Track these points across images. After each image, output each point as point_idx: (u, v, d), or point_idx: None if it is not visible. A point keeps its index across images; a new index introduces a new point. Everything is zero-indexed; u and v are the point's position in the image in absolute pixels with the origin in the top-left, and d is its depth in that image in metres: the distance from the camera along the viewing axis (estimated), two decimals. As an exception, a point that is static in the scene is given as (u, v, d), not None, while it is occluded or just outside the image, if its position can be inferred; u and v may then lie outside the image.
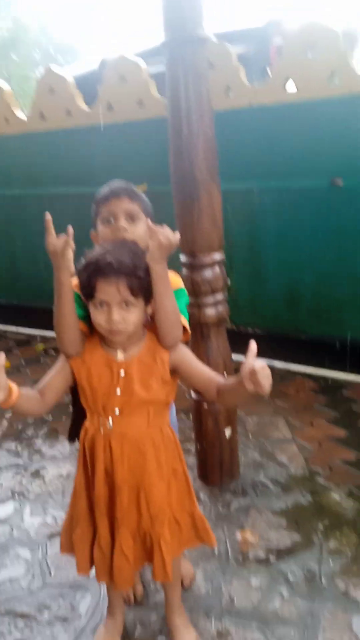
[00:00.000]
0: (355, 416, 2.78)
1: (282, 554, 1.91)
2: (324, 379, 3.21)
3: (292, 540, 1.96)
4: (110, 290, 1.24)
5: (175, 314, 1.33)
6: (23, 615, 1.73)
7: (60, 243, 1.23)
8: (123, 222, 1.44)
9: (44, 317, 4.47)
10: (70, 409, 1.57)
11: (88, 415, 1.42)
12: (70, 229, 1.23)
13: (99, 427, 1.36)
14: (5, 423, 3.03)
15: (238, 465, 2.38)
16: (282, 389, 3.14)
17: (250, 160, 3.13)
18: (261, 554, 1.91)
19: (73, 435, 1.78)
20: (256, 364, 1.14)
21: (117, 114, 3.63)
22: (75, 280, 1.50)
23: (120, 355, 1.33)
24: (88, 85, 3.89)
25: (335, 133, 2.87)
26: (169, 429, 1.41)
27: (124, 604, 1.68)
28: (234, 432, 2.30)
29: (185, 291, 1.48)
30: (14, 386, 1.21)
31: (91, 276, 1.23)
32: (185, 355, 1.36)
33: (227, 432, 2.26)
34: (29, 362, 3.95)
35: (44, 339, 4.37)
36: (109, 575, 1.39)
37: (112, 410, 1.34)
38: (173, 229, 1.29)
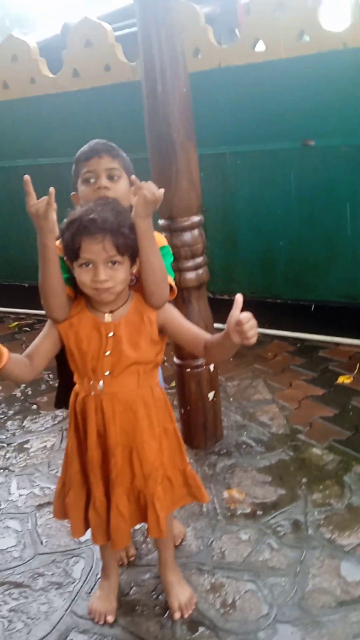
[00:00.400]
0: (332, 375, 2.85)
1: (269, 508, 1.96)
2: (300, 342, 3.27)
3: (278, 495, 2.02)
4: (96, 249, 1.22)
5: (162, 272, 1.32)
6: (17, 585, 1.75)
7: (42, 205, 1.19)
8: (104, 181, 1.42)
9: (17, 295, 4.44)
10: (50, 377, 1.56)
11: (77, 378, 1.41)
12: (52, 189, 1.19)
13: (89, 390, 1.36)
14: (-16, 400, 3.00)
15: (221, 427, 2.42)
16: (260, 353, 3.18)
17: (222, 123, 3.10)
18: (248, 510, 1.96)
19: (61, 402, 1.78)
20: (242, 315, 1.15)
21: (84, 81, 3.53)
22: (57, 243, 1.48)
23: (107, 317, 1.32)
24: (51, 52, 3.76)
25: (306, 92, 2.85)
26: (159, 389, 1.42)
27: (118, 566, 1.70)
28: (217, 395, 2.33)
29: (170, 249, 1.47)
30: (4, 350, 1.19)
31: (75, 235, 1.21)
32: (172, 313, 1.36)
33: (210, 395, 2.29)
34: (3, 339, 3.88)
35: (18, 317, 4.31)
36: (106, 536, 1.41)
37: (102, 372, 1.34)
38: None
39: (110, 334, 1.31)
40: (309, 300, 3.25)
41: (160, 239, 1.41)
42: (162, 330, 1.35)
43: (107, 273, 1.24)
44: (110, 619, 1.57)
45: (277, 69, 2.90)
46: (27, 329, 4.04)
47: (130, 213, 1.28)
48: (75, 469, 1.42)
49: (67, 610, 1.63)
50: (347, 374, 2.83)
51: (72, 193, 1.53)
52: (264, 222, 3.23)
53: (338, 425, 2.41)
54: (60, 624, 1.59)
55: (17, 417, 2.78)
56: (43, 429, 2.64)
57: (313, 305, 3.25)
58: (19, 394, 3.02)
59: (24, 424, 2.70)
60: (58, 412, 2.77)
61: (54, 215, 1.22)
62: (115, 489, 1.36)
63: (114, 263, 1.24)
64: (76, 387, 1.42)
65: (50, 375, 3.19)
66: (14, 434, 2.62)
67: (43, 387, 3.08)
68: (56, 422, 2.69)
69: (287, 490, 2.04)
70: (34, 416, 2.77)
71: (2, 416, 2.80)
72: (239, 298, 1.17)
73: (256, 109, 3.01)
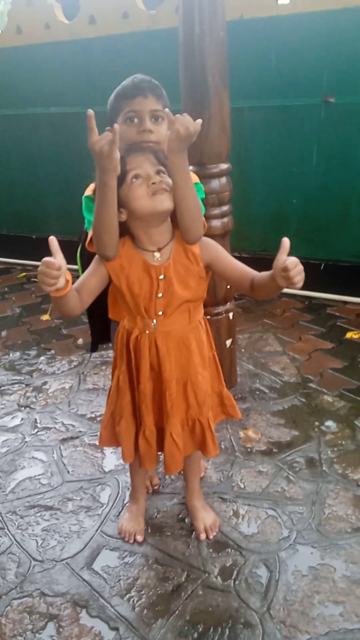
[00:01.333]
0: (340, 331, 2.94)
1: (284, 447, 2.06)
2: (308, 299, 3.34)
3: (292, 436, 2.12)
4: (141, 159, 1.25)
5: (197, 208, 1.32)
6: (48, 508, 1.84)
7: (106, 142, 1.15)
8: (149, 124, 1.40)
9: (24, 246, 4.45)
10: (63, 325, 1.60)
11: (128, 317, 1.43)
12: (117, 126, 1.16)
13: (143, 329, 1.40)
14: (0, 346, 3.05)
15: (236, 374, 2.51)
16: (269, 309, 3.26)
17: (241, 76, 3.08)
18: (264, 448, 2.06)
19: (95, 346, 1.84)
20: (288, 260, 1.16)
21: (100, 28, 3.47)
22: (93, 186, 1.50)
23: (157, 257, 1.32)
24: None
25: (329, 48, 2.85)
26: (205, 321, 1.49)
27: (145, 491, 1.80)
28: (233, 343, 2.40)
29: (202, 186, 1.48)
30: (70, 276, 1.20)
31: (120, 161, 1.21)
32: (219, 251, 1.38)
33: (228, 343, 2.36)
34: (12, 289, 3.92)
35: (24, 268, 4.33)
36: (154, 462, 1.52)
37: (155, 313, 1.37)
38: None
39: (161, 277, 1.32)
40: (320, 258, 3.31)
41: (193, 175, 1.40)
42: (208, 267, 1.38)
43: (159, 177, 1.26)
44: (139, 538, 1.68)
45: (300, 22, 2.89)
46: (35, 280, 4.07)
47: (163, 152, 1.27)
48: (127, 400, 1.48)
49: (97, 530, 1.73)
50: (355, 330, 2.92)
51: (107, 128, 1.53)
52: (278, 179, 3.26)
53: (347, 376, 2.51)
54: (91, 542, 1.69)
55: (33, 361, 2.84)
56: (60, 372, 2.71)
57: (323, 264, 3.31)
58: (31, 340, 3.08)
59: (40, 367, 2.77)
60: (74, 356, 2.84)
61: (117, 154, 1.18)
62: (170, 419, 1.43)
63: (159, 172, 1.26)
64: (125, 324, 1.45)
65: (64, 323, 3.25)
66: (31, 376, 2.69)
67: (56, 334, 3.14)
68: (72, 366, 2.75)
69: (300, 431, 2.14)
70: (50, 360, 2.83)
71: (19, 360, 2.86)
72: (285, 243, 1.18)
73: (277, 63, 3.01)
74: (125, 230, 1.32)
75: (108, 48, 3.47)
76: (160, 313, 1.37)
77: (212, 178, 2.05)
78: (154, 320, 1.38)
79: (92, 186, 1.48)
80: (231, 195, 2.14)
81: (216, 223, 2.12)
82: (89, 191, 1.47)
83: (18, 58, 3.87)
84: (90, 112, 1.16)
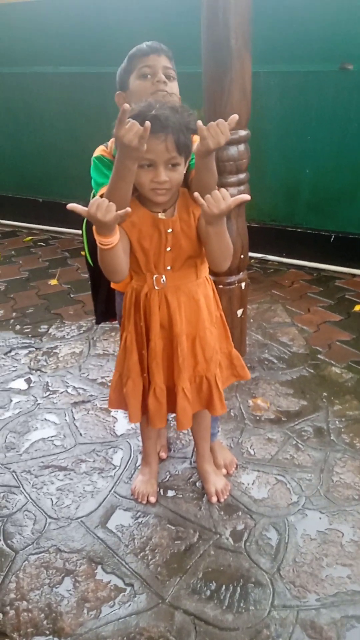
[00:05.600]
0: (349, 303, 2.95)
1: (292, 416, 2.10)
2: (317, 271, 3.34)
3: (300, 405, 2.16)
4: (159, 149, 1.23)
5: (214, 183, 1.32)
6: (62, 468, 1.88)
7: (136, 137, 1.15)
8: (162, 77, 1.42)
9: (30, 209, 4.40)
10: (72, 290, 1.60)
11: (136, 276, 1.46)
12: (148, 124, 1.15)
13: (153, 285, 1.42)
14: (9, 309, 3.05)
15: (245, 344, 2.52)
16: (277, 281, 3.26)
17: (257, 40, 2.99)
18: (273, 417, 2.10)
19: (101, 318, 1.86)
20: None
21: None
22: (103, 147, 1.49)
23: (161, 216, 1.36)
24: None
25: (348, 13, 2.77)
26: (211, 280, 1.51)
27: (157, 454, 1.84)
28: (244, 313, 2.41)
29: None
30: (118, 228, 1.23)
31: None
32: None
33: (239, 312, 2.37)
34: (19, 253, 3.90)
35: (31, 232, 4.30)
36: (164, 421, 1.53)
37: (164, 267, 1.40)
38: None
39: (170, 230, 1.36)
40: (329, 230, 3.29)
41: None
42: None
43: (166, 174, 1.26)
44: (152, 499, 1.72)
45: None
46: (42, 244, 4.05)
47: (187, 109, 1.27)
48: (134, 359, 1.50)
49: (110, 491, 1.78)
50: (364, 303, 2.94)
51: (118, 92, 1.51)
52: (292, 147, 3.21)
53: (356, 349, 2.53)
54: (105, 502, 1.74)
55: (42, 325, 2.85)
56: (70, 337, 2.72)
57: (333, 236, 3.29)
58: (40, 305, 3.08)
59: (50, 332, 2.78)
60: (83, 322, 2.85)
61: (145, 147, 1.18)
62: (182, 374, 1.45)
63: (173, 165, 1.26)
64: (133, 284, 1.47)
65: (72, 289, 3.25)
66: (41, 340, 2.70)
67: (64, 299, 3.14)
68: (82, 331, 2.77)
69: (309, 401, 2.18)
70: (59, 325, 2.84)
71: (28, 324, 2.87)
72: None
73: (295, 28, 2.92)
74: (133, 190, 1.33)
75: (122, 6, 3.36)
76: (169, 267, 1.40)
77: (231, 145, 2.02)
78: (163, 276, 1.41)
79: (101, 147, 1.49)
80: (248, 162, 2.12)
81: (232, 191, 2.09)
82: (98, 152, 1.48)
83: (25, 14, 3.75)
84: (126, 106, 1.15)
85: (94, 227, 1.23)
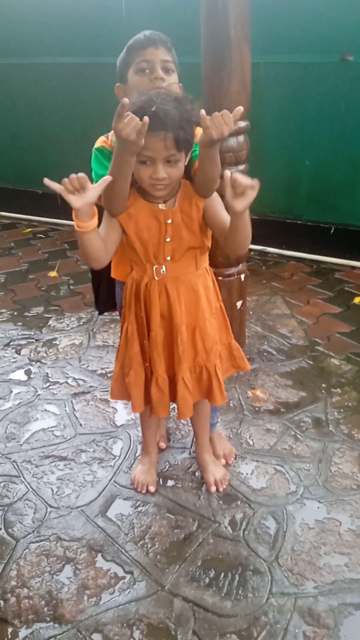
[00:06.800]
0: (348, 295, 2.95)
1: (291, 407, 2.11)
2: (316, 263, 3.34)
3: (299, 396, 2.17)
4: (158, 146, 1.23)
5: (218, 173, 1.31)
6: (62, 458, 1.89)
7: (134, 131, 1.15)
8: (161, 72, 1.41)
9: (29, 201, 4.39)
10: (71, 282, 1.61)
11: (136, 268, 1.47)
12: (146, 119, 1.15)
13: (152, 276, 1.43)
14: (9, 301, 3.06)
15: (245, 336, 2.53)
16: (277, 273, 3.26)
17: (257, 31, 2.98)
18: (272, 407, 2.11)
19: (102, 308, 1.86)
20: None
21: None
22: (104, 138, 1.49)
23: (162, 207, 1.36)
24: None
25: (349, 3, 2.75)
26: (211, 271, 1.52)
27: (157, 444, 1.85)
28: (244, 305, 2.42)
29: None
30: (96, 216, 1.24)
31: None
32: (214, 200, 1.37)
33: (239, 304, 2.38)
34: (18, 245, 3.90)
35: (30, 224, 4.30)
36: (167, 410, 1.55)
37: (164, 258, 1.41)
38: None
39: (169, 221, 1.36)
40: (329, 222, 3.29)
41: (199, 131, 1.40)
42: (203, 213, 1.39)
43: (165, 171, 1.26)
44: (152, 488, 1.74)
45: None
46: (41, 235, 4.05)
47: (189, 100, 1.27)
48: (136, 349, 1.51)
49: (110, 480, 1.79)
50: (363, 295, 2.94)
51: (117, 84, 1.51)
52: (291, 139, 3.21)
53: (355, 340, 2.54)
54: (105, 491, 1.75)
55: (42, 317, 2.86)
56: (69, 328, 2.73)
57: (333, 228, 3.29)
58: (39, 296, 3.09)
59: (49, 324, 2.79)
60: (82, 313, 2.86)
61: (142, 140, 1.18)
62: (182, 363, 1.46)
63: (172, 161, 1.26)
64: (133, 274, 1.48)
65: (71, 281, 3.25)
66: (41, 331, 2.71)
67: (64, 291, 3.14)
68: (81, 323, 2.77)
69: (307, 393, 2.19)
70: (59, 317, 2.85)
71: (27, 316, 2.87)
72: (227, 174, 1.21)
73: (295, 19, 2.91)
74: (132, 181, 1.33)
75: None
76: (169, 258, 1.41)
77: (230, 136, 2.00)
78: (163, 267, 1.41)
79: (102, 138, 1.49)
80: (248, 154, 2.11)
81: (232, 182, 2.10)
82: (99, 143, 1.48)
83: (23, 4, 3.73)
84: (126, 100, 1.15)
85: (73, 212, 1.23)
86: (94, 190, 1.20)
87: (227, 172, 1.22)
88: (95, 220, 1.25)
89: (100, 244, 1.31)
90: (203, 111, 1.20)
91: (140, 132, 1.16)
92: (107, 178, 1.22)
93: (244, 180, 1.20)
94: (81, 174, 1.19)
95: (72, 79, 3.80)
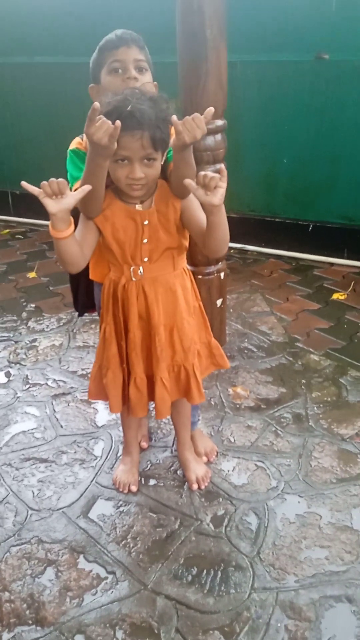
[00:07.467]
0: (327, 292, 2.98)
1: (272, 403, 2.13)
2: (295, 260, 3.37)
3: (279, 393, 2.18)
4: (134, 146, 1.23)
5: (194, 174, 1.30)
6: (43, 460, 1.88)
7: (106, 135, 1.15)
8: (134, 72, 1.41)
9: (6, 202, 4.34)
10: (51, 282, 1.60)
11: (113, 269, 1.47)
12: (119, 123, 1.14)
13: (130, 277, 1.42)
14: (-14, 301, 3.03)
15: (225, 334, 2.54)
16: (257, 271, 3.28)
17: (233, 30, 2.99)
18: (253, 404, 2.12)
19: (82, 309, 1.86)
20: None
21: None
22: (79, 140, 1.48)
23: (138, 207, 1.36)
24: None
25: (324, 2, 2.78)
26: (189, 271, 1.53)
27: (138, 444, 1.85)
28: (224, 303, 2.43)
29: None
30: (72, 221, 1.24)
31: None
32: (192, 201, 1.37)
33: (219, 302, 2.39)
34: (-3, 246, 3.86)
35: (8, 225, 4.25)
36: (145, 410, 1.55)
37: (141, 259, 1.41)
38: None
39: (146, 222, 1.36)
40: (307, 220, 3.32)
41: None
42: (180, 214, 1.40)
43: (142, 170, 1.26)
44: (134, 488, 1.73)
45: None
46: (20, 236, 4.01)
47: (164, 99, 1.27)
48: (113, 351, 1.51)
49: (92, 481, 1.78)
50: (341, 291, 2.97)
51: (91, 85, 1.50)
52: (269, 137, 3.23)
53: (333, 336, 2.57)
54: (87, 492, 1.74)
55: (21, 319, 2.83)
56: (49, 329, 2.71)
57: (311, 226, 3.32)
58: (18, 298, 3.06)
59: (29, 325, 2.76)
60: (62, 314, 2.84)
61: (115, 145, 1.18)
62: (160, 364, 1.46)
63: (149, 160, 1.27)
64: (111, 276, 1.48)
65: (51, 282, 3.23)
66: (20, 333, 2.69)
67: (43, 291, 3.12)
68: (61, 324, 2.76)
69: (288, 389, 2.21)
70: (38, 318, 2.83)
71: (6, 317, 2.85)
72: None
73: (270, 17, 2.93)
74: (109, 182, 1.33)
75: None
76: (146, 259, 1.41)
77: (207, 135, 2.00)
78: (141, 267, 1.41)
79: (77, 139, 1.48)
80: (225, 152, 2.12)
81: (210, 181, 2.10)
82: (74, 145, 1.48)
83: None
84: (96, 104, 1.15)
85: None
86: (72, 197, 1.20)
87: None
88: (72, 228, 1.25)
89: (77, 249, 1.31)
90: (175, 117, 1.20)
91: (112, 135, 1.15)
92: (86, 187, 1.22)
93: (210, 173, 1.21)
94: (61, 179, 1.18)
95: (48, 79, 3.77)
